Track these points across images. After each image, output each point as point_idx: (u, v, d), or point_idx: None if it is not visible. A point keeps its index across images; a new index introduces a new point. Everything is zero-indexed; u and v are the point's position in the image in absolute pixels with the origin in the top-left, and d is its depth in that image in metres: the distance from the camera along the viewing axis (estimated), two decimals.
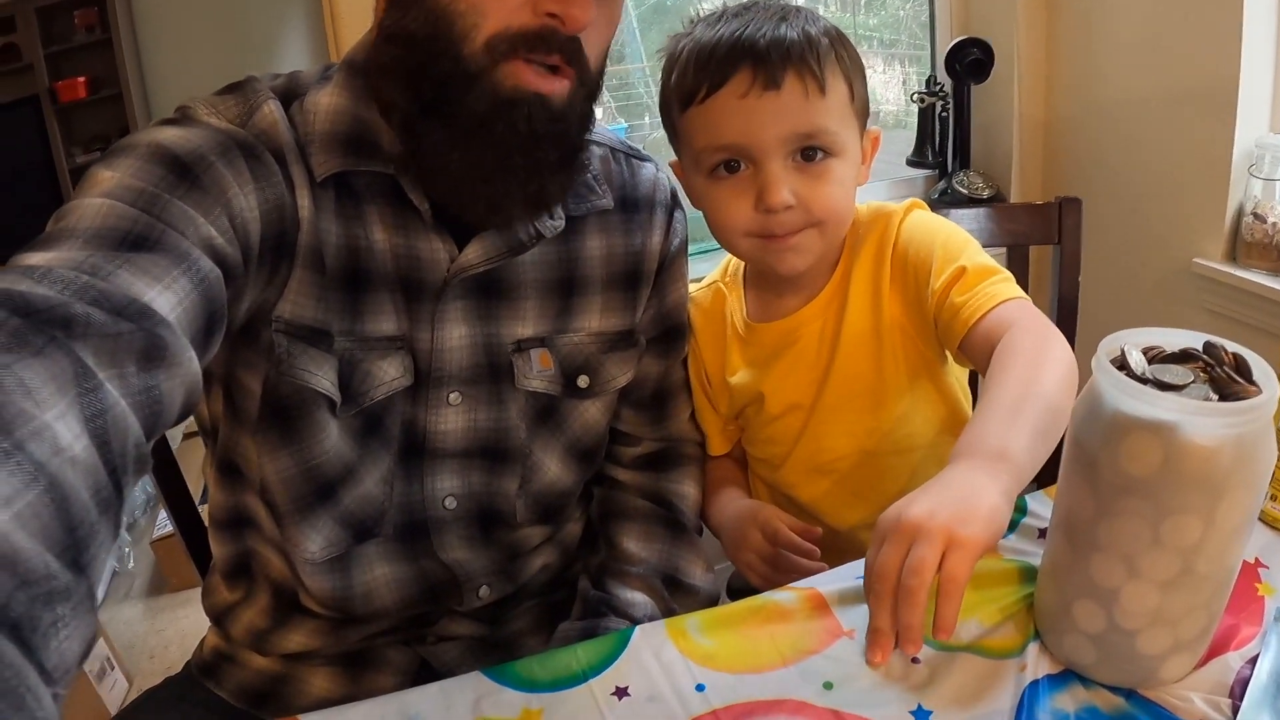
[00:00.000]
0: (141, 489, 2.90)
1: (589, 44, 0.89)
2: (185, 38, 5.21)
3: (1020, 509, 1.01)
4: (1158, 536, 0.69)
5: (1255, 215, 1.92)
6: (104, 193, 0.74)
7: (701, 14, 1.09)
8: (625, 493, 1.20)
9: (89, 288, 0.62)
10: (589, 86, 0.92)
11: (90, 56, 5.12)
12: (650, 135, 2.15)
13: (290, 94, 0.94)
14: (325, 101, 0.93)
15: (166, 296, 0.68)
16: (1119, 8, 2.13)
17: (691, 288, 1.25)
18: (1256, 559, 0.91)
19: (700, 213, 1.13)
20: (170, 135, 0.81)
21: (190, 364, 0.66)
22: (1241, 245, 1.95)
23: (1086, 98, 2.26)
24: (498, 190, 0.89)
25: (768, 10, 1.04)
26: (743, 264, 1.24)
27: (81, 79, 5.12)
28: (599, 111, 2.42)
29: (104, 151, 0.80)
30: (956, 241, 1.07)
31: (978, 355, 0.97)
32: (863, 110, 1.07)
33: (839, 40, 1.04)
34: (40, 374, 0.53)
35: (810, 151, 1.02)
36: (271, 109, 0.90)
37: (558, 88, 0.88)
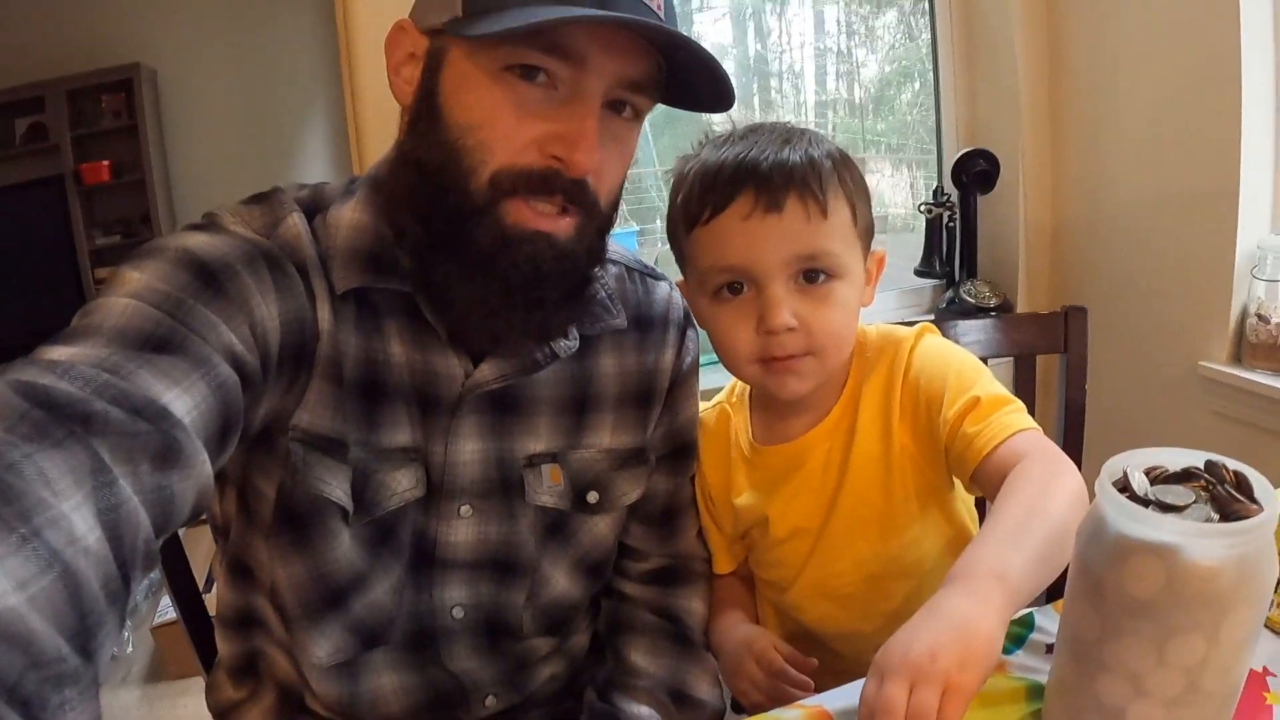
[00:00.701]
0: (146, 578, 2.89)
1: (599, 182, 0.91)
2: (209, 128, 5.34)
3: (1028, 624, 1.01)
4: (1163, 656, 0.69)
5: (1259, 316, 1.94)
6: (130, 293, 0.76)
7: (710, 135, 1.11)
8: (633, 607, 1.20)
9: (109, 386, 0.64)
10: (599, 222, 0.94)
11: (115, 141, 5.23)
12: (662, 240, 2.18)
13: (314, 207, 0.96)
14: (348, 217, 0.95)
15: (184, 400, 0.69)
16: (1122, 115, 2.18)
17: (700, 405, 1.25)
18: (1265, 668, 0.90)
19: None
20: (198, 241, 0.83)
21: (203, 467, 0.68)
22: (1246, 347, 1.98)
23: (1091, 204, 2.31)
24: (500, 323, 0.91)
25: (773, 133, 1.06)
26: (734, 394, 1.25)
27: (106, 163, 5.23)
28: None
29: (130, 248, 0.82)
30: (969, 371, 1.07)
31: (989, 485, 0.97)
32: (866, 232, 1.08)
33: (842, 163, 1.06)
34: (59, 465, 0.55)
35: (812, 274, 1.03)
36: (296, 221, 0.92)
37: (562, 226, 0.89)
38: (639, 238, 2.48)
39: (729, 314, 1.05)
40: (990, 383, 1.06)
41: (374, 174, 0.99)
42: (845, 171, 1.05)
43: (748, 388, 1.24)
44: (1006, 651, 0.96)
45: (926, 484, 1.12)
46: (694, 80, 0.91)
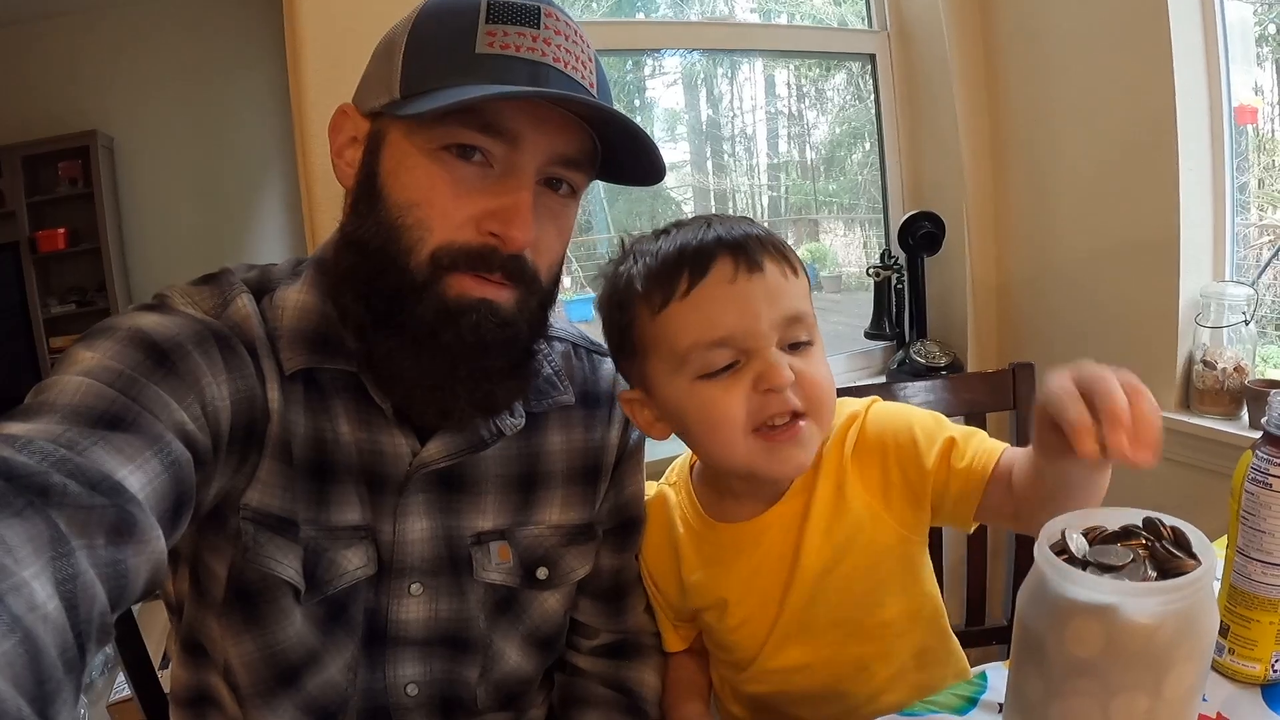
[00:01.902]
0: (100, 651, 2.85)
1: (538, 256, 0.93)
2: (165, 196, 5.33)
3: (980, 684, 1.02)
4: (1107, 714, 0.70)
5: (1205, 363, 1.98)
6: (83, 371, 0.76)
7: (623, 243, 1.10)
8: (586, 680, 1.20)
9: (66, 460, 0.64)
10: (539, 296, 0.95)
11: (71, 209, 5.21)
12: None
13: (262, 288, 0.97)
14: (294, 298, 0.96)
15: (138, 476, 0.70)
16: (1062, 173, 2.24)
17: (651, 488, 1.25)
18: (1219, 714, 0.91)
19: (667, 439, 1.10)
20: (149, 321, 0.84)
21: (157, 542, 0.67)
22: (1194, 393, 2.01)
23: (1036, 261, 2.36)
24: (446, 397, 0.92)
25: (705, 218, 1.05)
26: (690, 465, 1.21)
27: (62, 230, 5.21)
28: (566, 280, 2.47)
29: (86, 316, 0.84)
30: (929, 420, 1.09)
31: (1000, 501, 1.00)
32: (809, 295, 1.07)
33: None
34: (20, 534, 0.55)
35: (796, 343, 1.00)
36: (244, 303, 0.93)
37: (504, 296, 0.91)
38: (596, 302, 2.48)
39: (717, 388, 0.99)
40: (950, 424, 1.09)
41: (319, 255, 1.01)
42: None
43: (689, 466, 1.21)
44: (959, 711, 0.98)
45: (894, 545, 1.10)
46: (627, 155, 0.94)
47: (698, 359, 0.99)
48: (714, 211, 2.64)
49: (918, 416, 1.10)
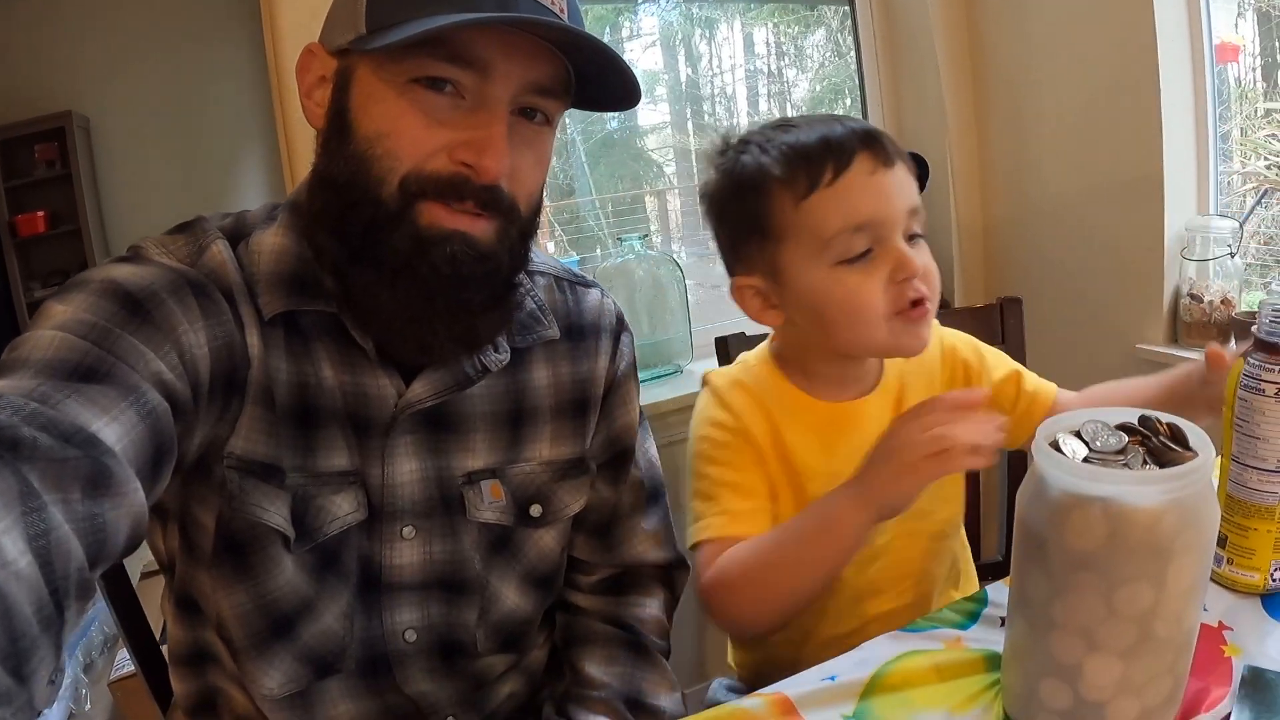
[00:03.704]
0: (100, 629, 2.84)
1: (515, 186, 0.91)
2: (144, 175, 5.28)
3: (980, 599, 1.03)
4: (1112, 607, 0.70)
5: (1192, 296, 1.99)
6: (56, 325, 0.75)
7: (725, 139, 1.16)
8: (586, 618, 1.19)
9: (37, 414, 0.63)
10: (520, 226, 0.94)
11: (50, 191, 5.15)
12: (601, 265, 2.19)
13: (237, 234, 0.96)
14: (270, 242, 0.95)
15: (113, 428, 0.68)
16: (1045, 112, 2.24)
17: (721, 369, 1.28)
18: (1220, 622, 0.92)
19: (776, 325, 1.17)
20: (123, 272, 0.83)
21: (135, 495, 0.66)
22: (1182, 326, 2.03)
23: (1020, 200, 2.37)
24: (425, 330, 0.91)
25: (824, 116, 1.12)
26: (768, 352, 1.25)
27: (41, 213, 5.14)
28: (550, 244, 2.47)
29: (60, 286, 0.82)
30: (992, 350, 1.30)
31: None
32: None
33: None
34: None
35: (914, 234, 1.09)
36: (219, 249, 0.92)
37: (480, 227, 0.89)
38: (581, 265, 2.48)
39: (857, 276, 1.06)
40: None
41: (293, 198, 0.99)
42: None
43: (765, 354, 1.25)
44: (961, 627, 0.98)
45: None
46: (600, 79, 0.92)
47: (840, 244, 1.05)
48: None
49: (982, 343, 1.30)
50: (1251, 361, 0.92)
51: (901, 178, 1.07)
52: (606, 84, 0.93)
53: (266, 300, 0.92)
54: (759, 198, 1.09)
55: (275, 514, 0.93)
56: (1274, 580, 0.95)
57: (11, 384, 0.67)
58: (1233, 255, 1.97)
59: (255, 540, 0.93)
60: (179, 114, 5.21)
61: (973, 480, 1.35)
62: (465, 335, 0.94)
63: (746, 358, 1.29)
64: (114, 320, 0.78)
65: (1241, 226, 2.04)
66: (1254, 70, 2.19)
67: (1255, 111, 2.20)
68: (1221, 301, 1.97)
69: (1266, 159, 2.18)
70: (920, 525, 1.19)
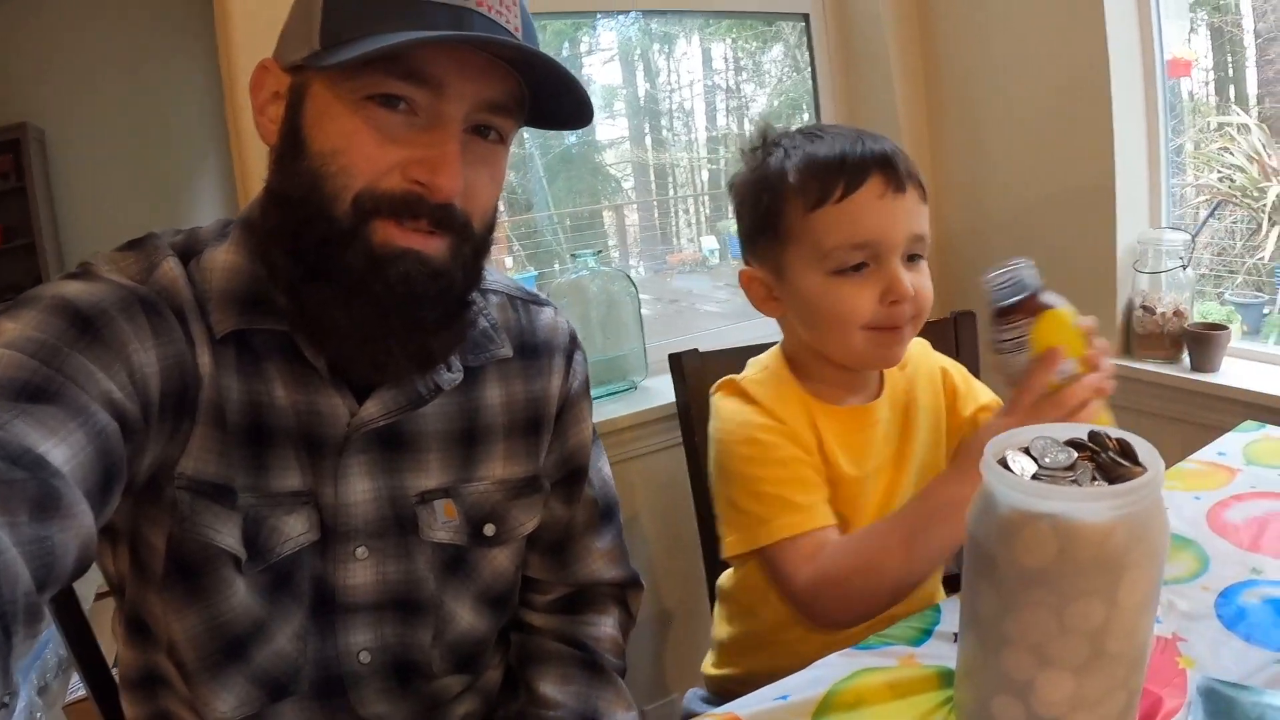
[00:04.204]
0: (54, 651, 2.80)
1: (470, 204, 0.91)
2: (99, 188, 5.22)
3: (933, 617, 1.03)
4: (1063, 623, 0.70)
5: (1144, 308, 2.01)
6: (5, 343, 0.74)
7: (764, 133, 1.22)
8: (541, 637, 1.19)
9: None
10: (473, 244, 0.93)
11: (4, 204, 5.07)
12: (556, 282, 2.18)
13: (189, 251, 0.95)
14: (221, 259, 0.94)
15: (61, 449, 0.67)
16: (999, 125, 2.26)
17: (747, 375, 1.29)
18: (1174, 634, 0.93)
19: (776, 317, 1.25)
20: (73, 289, 0.82)
21: (84, 517, 0.65)
22: (1135, 338, 2.05)
23: (975, 212, 2.38)
24: (379, 349, 0.90)
25: (854, 130, 1.17)
26: (782, 359, 1.28)
27: None
28: (509, 260, 2.45)
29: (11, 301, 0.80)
30: (973, 378, 1.38)
31: None
32: None
33: None
34: None
35: (914, 255, 1.14)
36: (171, 266, 0.91)
37: (433, 245, 0.89)
38: (538, 281, 2.47)
39: (850, 286, 1.12)
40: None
41: (246, 215, 0.98)
42: None
43: (781, 360, 1.28)
44: (914, 643, 0.98)
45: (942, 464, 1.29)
46: (554, 98, 0.92)
47: (838, 256, 1.12)
48: (653, 183, 2.62)
49: (968, 373, 1.38)
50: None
51: (910, 204, 1.12)
52: (560, 102, 0.93)
53: (218, 318, 0.91)
54: (774, 199, 1.16)
55: (226, 535, 0.92)
56: None
57: None
58: (1185, 267, 1.99)
59: (206, 562, 0.92)
60: (135, 128, 5.16)
61: None
62: (419, 354, 0.93)
63: (762, 361, 1.32)
64: (64, 339, 0.76)
65: (1194, 238, 2.07)
66: (1207, 85, 2.23)
67: (1208, 125, 2.24)
68: (1174, 313, 1.99)
69: (1219, 171, 2.21)
70: None
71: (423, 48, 0.83)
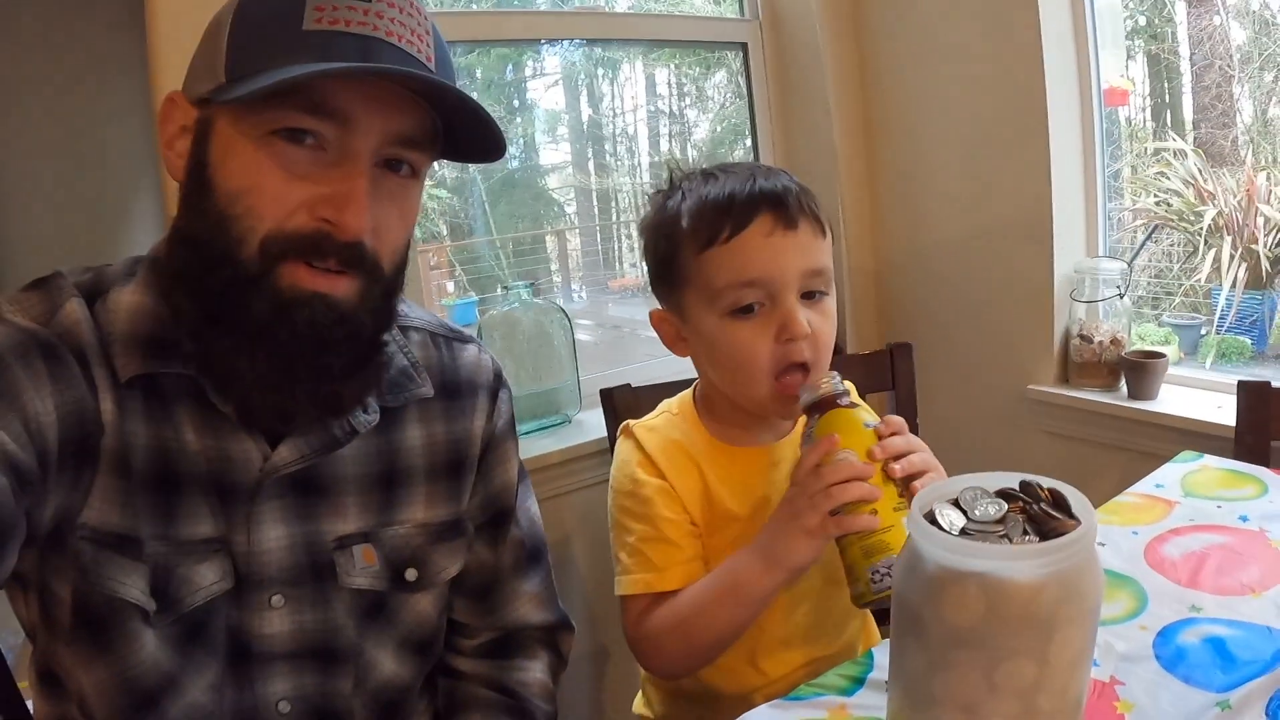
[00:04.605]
0: None
1: (379, 242, 0.88)
2: (35, 211, 5.12)
3: (867, 663, 1.01)
4: (993, 683, 0.68)
5: (1082, 337, 2.02)
6: None
7: (671, 175, 1.21)
8: (468, 683, 1.16)
9: None
10: (383, 284, 0.91)
11: None
12: (490, 313, 2.16)
13: (95, 291, 0.91)
14: (127, 300, 0.91)
15: None
16: (936, 154, 2.27)
17: (645, 420, 1.28)
18: (1112, 677, 0.92)
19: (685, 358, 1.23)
20: None
21: None
22: (1072, 367, 2.06)
23: (912, 245, 2.39)
24: (285, 398, 0.87)
25: (750, 168, 1.16)
26: (693, 396, 1.28)
27: None
28: (450, 284, 2.42)
29: None
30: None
31: None
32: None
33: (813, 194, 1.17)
34: None
35: (812, 291, 1.12)
36: (74, 307, 0.88)
37: (341, 287, 0.86)
38: (479, 306, 2.45)
39: (746, 331, 1.11)
40: None
41: (153, 254, 0.95)
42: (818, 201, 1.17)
43: (691, 397, 1.29)
44: (846, 693, 0.96)
45: None
46: (467, 130, 0.90)
47: (729, 296, 1.11)
48: (597, 207, 2.63)
49: None
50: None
51: (803, 240, 1.11)
52: (473, 135, 0.91)
53: (122, 362, 0.88)
54: (670, 244, 1.16)
55: (132, 587, 0.88)
56: (875, 583, 0.97)
57: None
58: (1121, 296, 2.01)
59: (112, 614, 0.89)
60: (70, 151, 5.06)
61: None
62: (327, 401, 0.91)
63: (670, 405, 1.31)
64: None
65: (1131, 263, 2.09)
66: (1144, 110, 2.26)
67: (1145, 150, 2.26)
68: (1111, 341, 2.00)
69: (1156, 196, 2.23)
70: (822, 577, 1.19)
71: (328, 80, 0.81)
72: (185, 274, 0.87)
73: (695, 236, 1.12)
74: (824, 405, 1.07)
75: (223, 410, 0.91)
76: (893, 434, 1.04)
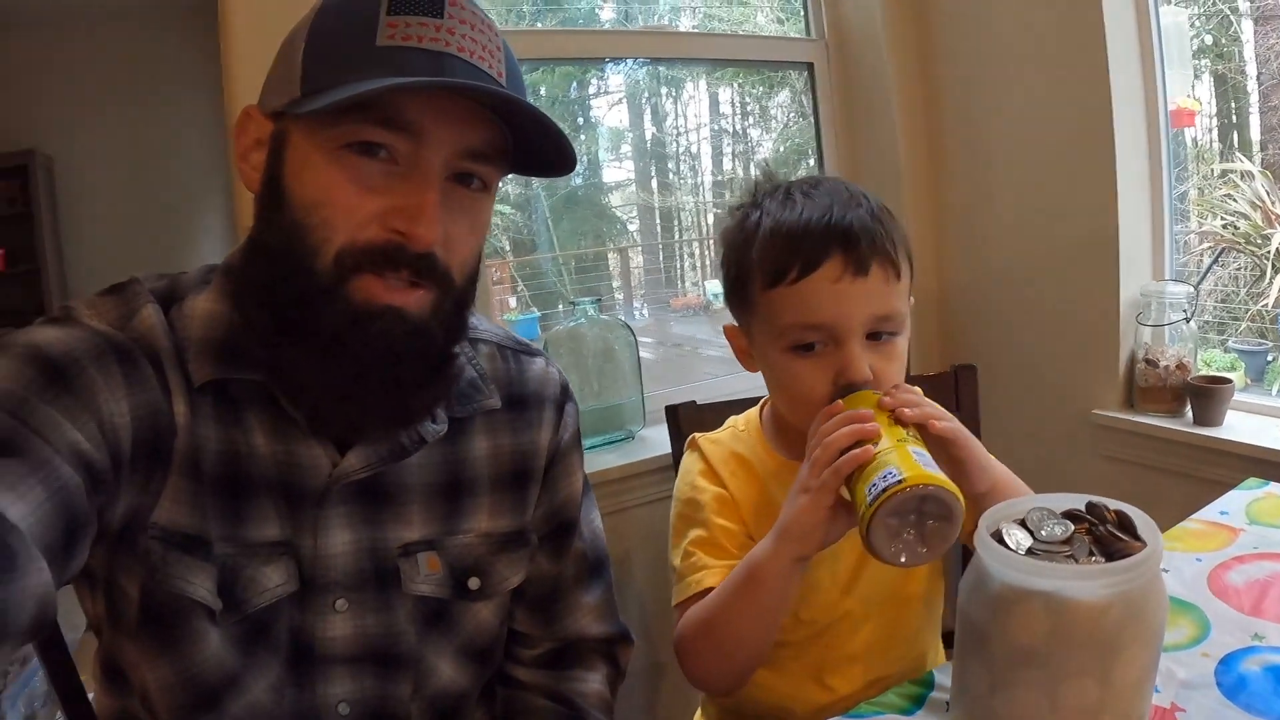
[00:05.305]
0: (43, 679, 2.78)
1: (451, 254, 0.89)
2: (105, 217, 5.25)
3: (928, 683, 1.01)
4: (1055, 703, 0.69)
5: (1147, 361, 1.99)
6: None
7: (760, 185, 1.17)
8: (527, 693, 1.16)
9: None
10: (455, 296, 0.92)
11: (10, 229, 5.11)
12: (553, 330, 2.18)
13: (171, 297, 0.94)
14: (202, 307, 0.93)
15: (19, 505, 0.67)
16: (1001, 175, 2.26)
17: (711, 434, 1.28)
18: (1173, 704, 0.91)
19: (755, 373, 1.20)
20: (46, 337, 0.81)
21: (39, 575, 0.64)
22: (1137, 391, 2.03)
23: (977, 265, 2.38)
24: (355, 409, 0.89)
25: (832, 192, 1.11)
26: (760, 413, 1.28)
27: (0, 251, 5.08)
28: (512, 300, 2.44)
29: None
30: None
31: None
32: (910, 286, 1.14)
33: (896, 221, 1.12)
34: None
35: (881, 333, 1.08)
36: (150, 313, 0.90)
37: (414, 300, 0.88)
38: (541, 323, 2.47)
39: (806, 367, 1.08)
40: None
41: (228, 262, 0.97)
42: (901, 232, 1.11)
43: (759, 413, 1.28)
44: (906, 712, 0.96)
45: None
46: (537, 145, 0.91)
47: (792, 335, 1.08)
48: (657, 224, 2.62)
49: None
50: None
51: (873, 286, 1.06)
52: (543, 149, 0.92)
53: (196, 367, 0.90)
54: (741, 269, 1.13)
55: (200, 586, 0.90)
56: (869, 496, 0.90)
57: None
58: (1188, 320, 1.98)
59: (179, 613, 0.90)
60: (143, 161, 5.21)
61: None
62: (397, 412, 0.92)
63: (736, 421, 1.31)
64: (32, 388, 0.76)
65: (1198, 286, 2.06)
66: (1210, 131, 2.23)
67: (1212, 172, 2.23)
68: (1177, 366, 1.97)
69: (1223, 218, 2.20)
70: (890, 592, 1.19)
71: (401, 94, 0.82)
72: (259, 283, 0.89)
73: (763, 270, 1.10)
74: (846, 391, 1.05)
75: (293, 416, 0.93)
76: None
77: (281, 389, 0.91)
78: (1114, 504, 0.76)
